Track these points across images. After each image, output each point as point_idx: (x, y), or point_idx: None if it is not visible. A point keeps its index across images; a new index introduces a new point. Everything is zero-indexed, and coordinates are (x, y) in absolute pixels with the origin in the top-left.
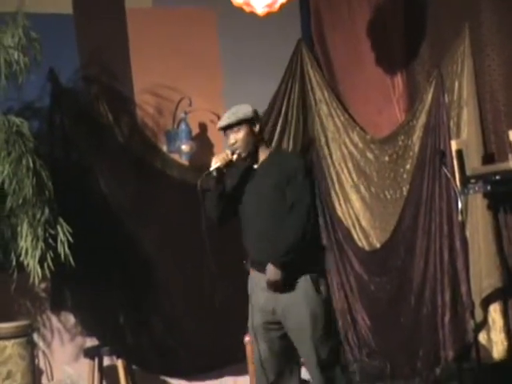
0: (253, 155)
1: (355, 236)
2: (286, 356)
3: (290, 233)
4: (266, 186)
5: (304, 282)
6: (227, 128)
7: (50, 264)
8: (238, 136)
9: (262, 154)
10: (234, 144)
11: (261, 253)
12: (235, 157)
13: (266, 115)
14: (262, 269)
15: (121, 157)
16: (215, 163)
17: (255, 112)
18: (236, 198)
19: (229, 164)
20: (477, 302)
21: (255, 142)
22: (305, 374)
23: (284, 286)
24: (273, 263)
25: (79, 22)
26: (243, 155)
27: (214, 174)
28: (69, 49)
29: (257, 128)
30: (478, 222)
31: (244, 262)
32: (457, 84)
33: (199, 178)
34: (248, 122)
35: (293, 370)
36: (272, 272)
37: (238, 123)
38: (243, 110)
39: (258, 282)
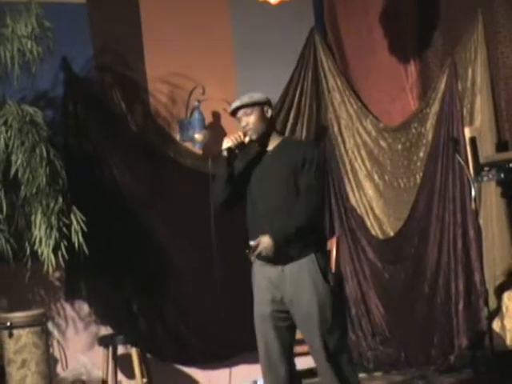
0: (264, 140)
1: (368, 224)
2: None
3: (296, 218)
4: (277, 171)
5: (310, 267)
6: (240, 108)
7: (64, 253)
8: (249, 119)
9: (274, 141)
10: (245, 126)
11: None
12: (247, 139)
13: (279, 103)
14: (268, 259)
15: (134, 145)
16: (227, 143)
17: (268, 99)
18: (243, 184)
19: (240, 146)
20: (490, 289)
21: (267, 126)
22: (311, 363)
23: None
24: (271, 237)
25: (92, 10)
26: (254, 138)
27: (225, 153)
28: (82, 38)
29: (269, 113)
30: (491, 209)
31: (247, 251)
32: (470, 71)
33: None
34: (261, 105)
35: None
36: (266, 240)
37: (252, 105)
38: (257, 95)
39: (264, 271)
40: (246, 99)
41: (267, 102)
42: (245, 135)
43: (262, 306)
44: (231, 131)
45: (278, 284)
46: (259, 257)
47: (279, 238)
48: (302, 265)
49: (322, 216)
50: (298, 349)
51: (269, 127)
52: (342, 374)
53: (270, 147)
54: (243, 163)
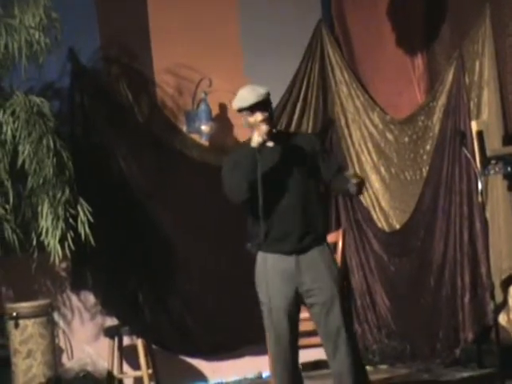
0: (273, 135)
1: (375, 217)
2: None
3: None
4: (290, 165)
5: (324, 255)
6: (261, 104)
7: (71, 244)
8: (266, 113)
9: (278, 135)
10: (263, 121)
11: (288, 225)
12: (270, 132)
13: (285, 96)
14: (283, 245)
15: (140, 137)
16: (259, 138)
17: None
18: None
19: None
20: (496, 283)
21: (275, 122)
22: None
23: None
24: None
25: (100, 1)
26: (274, 131)
27: (257, 148)
28: (89, 29)
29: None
30: (498, 203)
31: (249, 244)
32: (477, 65)
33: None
34: (269, 102)
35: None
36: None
37: (268, 99)
38: (265, 88)
39: (277, 264)
40: (264, 95)
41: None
42: (268, 129)
43: (276, 299)
44: (238, 123)
45: (294, 275)
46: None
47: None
48: (317, 253)
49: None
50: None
51: (275, 122)
52: (358, 357)
53: (276, 142)
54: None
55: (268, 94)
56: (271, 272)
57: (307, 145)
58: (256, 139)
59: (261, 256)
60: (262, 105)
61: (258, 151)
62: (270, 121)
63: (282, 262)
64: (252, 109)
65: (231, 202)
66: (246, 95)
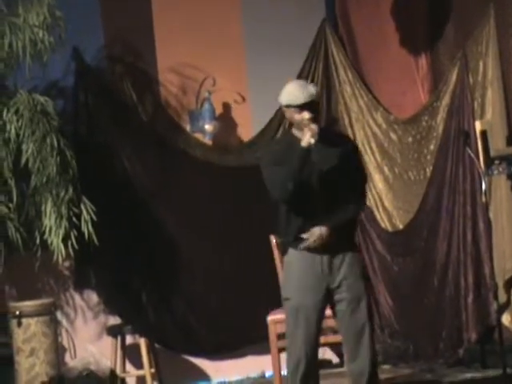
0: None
1: (378, 217)
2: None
3: (351, 208)
4: (325, 164)
5: (356, 261)
6: (311, 103)
7: (74, 242)
8: (315, 112)
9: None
10: (312, 119)
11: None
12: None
13: None
14: (322, 250)
15: (144, 136)
16: (311, 138)
17: None
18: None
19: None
20: (500, 283)
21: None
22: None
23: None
24: (326, 227)
25: (104, 0)
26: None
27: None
28: (93, 27)
29: None
30: (501, 203)
31: (282, 240)
32: (481, 65)
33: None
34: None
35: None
36: (317, 231)
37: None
38: (315, 87)
39: (308, 263)
40: (314, 92)
41: None
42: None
43: (302, 297)
44: (242, 122)
45: (325, 274)
46: (309, 248)
47: (336, 226)
48: (351, 258)
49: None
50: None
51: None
52: (376, 357)
53: (319, 140)
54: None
55: (319, 93)
56: (302, 269)
57: (346, 148)
58: (307, 139)
59: (293, 253)
60: (311, 104)
61: (307, 151)
62: (316, 119)
63: (313, 261)
64: (301, 107)
65: (272, 198)
66: (297, 93)
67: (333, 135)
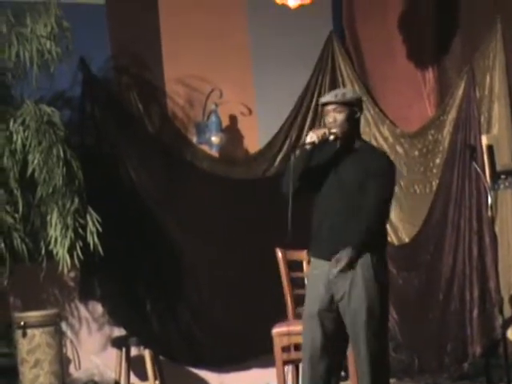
0: (346, 141)
1: None
2: (335, 349)
3: (364, 227)
4: (350, 178)
5: (363, 265)
6: (331, 103)
7: (79, 253)
8: (338, 116)
9: (355, 144)
10: (331, 122)
11: (334, 241)
12: (332, 137)
13: (296, 107)
14: (329, 257)
15: (150, 147)
16: (311, 138)
17: (361, 100)
18: (318, 178)
19: (323, 142)
20: (505, 297)
21: (352, 128)
22: None
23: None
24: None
25: (111, 11)
26: (340, 136)
27: (308, 147)
28: (100, 38)
29: (357, 115)
30: (507, 217)
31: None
32: (488, 79)
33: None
34: (352, 106)
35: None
36: (346, 252)
37: (344, 103)
38: (352, 94)
39: (320, 270)
40: (340, 97)
41: (359, 104)
42: (330, 132)
43: (311, 304)
44: (248, 134)
45: (332, 282)
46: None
47: (356, 243)
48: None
49: (385, 222)
50: None
51: (354, 129)
52: (382, 360)
53: (349, 150)
54: (324, 159)
55: (343, 95)
56: (315, 277)
57: (375, 161)
58: (310, 137)
59: (311, 260)
60: (334, 106)
61: (308, 151)
62: (341, 127)
63: (323, 268)
64: (323, 108)
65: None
66: (328, 94)
67: (369, 150)
